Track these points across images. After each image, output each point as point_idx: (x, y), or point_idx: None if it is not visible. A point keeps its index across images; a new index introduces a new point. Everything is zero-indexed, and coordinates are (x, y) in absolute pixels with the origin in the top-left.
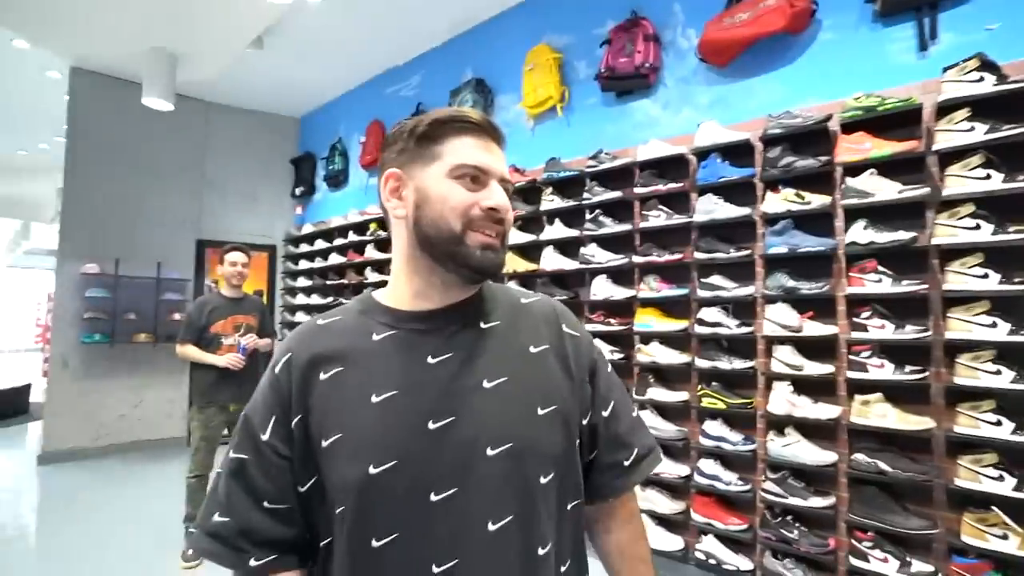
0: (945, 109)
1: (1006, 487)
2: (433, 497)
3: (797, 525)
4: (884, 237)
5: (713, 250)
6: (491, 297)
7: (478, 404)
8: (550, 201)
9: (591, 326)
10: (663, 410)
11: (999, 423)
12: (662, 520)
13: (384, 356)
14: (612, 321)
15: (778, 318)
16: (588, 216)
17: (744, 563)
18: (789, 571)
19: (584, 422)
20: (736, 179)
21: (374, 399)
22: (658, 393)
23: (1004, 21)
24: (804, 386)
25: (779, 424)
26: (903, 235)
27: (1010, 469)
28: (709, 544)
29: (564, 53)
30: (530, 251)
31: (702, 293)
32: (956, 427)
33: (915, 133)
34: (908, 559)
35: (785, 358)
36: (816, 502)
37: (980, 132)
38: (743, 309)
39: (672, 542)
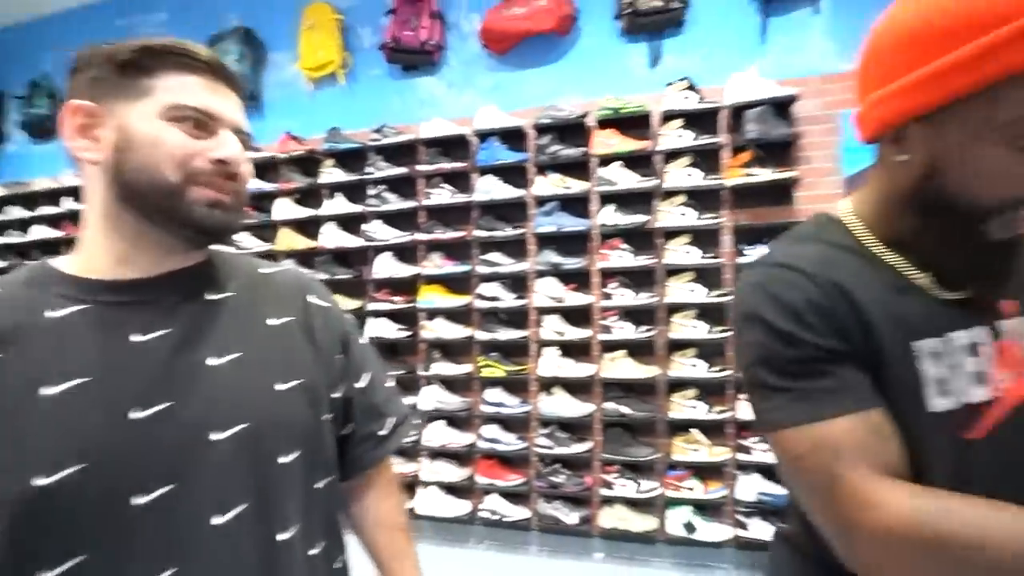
0: (667, 118)
1: (700, 413)
2: (137, 500)
3: (563, 471)
4: (626, 220)
5: (492, 228)
6: (223, 265)
7: (202, 385)
8: (330, 174)
9: (375, 304)
10: (449, 383)
11: (695, 365)
12: (450, 488)
13: (63, 337)
14: (397, 299)
15: (547, 291)
16: (372, 192)
17: (523, 513)
18: (557, 511)
19: (336, 395)
20: (512, 162)
21: (44, 392)
22: (443, 367)
23: (704, 52)
24: (568, 349)
25: (548, 385)
26: (639, 218)
27: (704, 399)
28: (492, 502)
29: (346, 16)
30: (308, 227)
31: (482, 269)
32: (671, 371)
33: (647, 135)
34: (639, 480)
35: (553, 326)
36: (577, 448)
37: (689, 138)
38: (518, 283)
39: (460, 507)
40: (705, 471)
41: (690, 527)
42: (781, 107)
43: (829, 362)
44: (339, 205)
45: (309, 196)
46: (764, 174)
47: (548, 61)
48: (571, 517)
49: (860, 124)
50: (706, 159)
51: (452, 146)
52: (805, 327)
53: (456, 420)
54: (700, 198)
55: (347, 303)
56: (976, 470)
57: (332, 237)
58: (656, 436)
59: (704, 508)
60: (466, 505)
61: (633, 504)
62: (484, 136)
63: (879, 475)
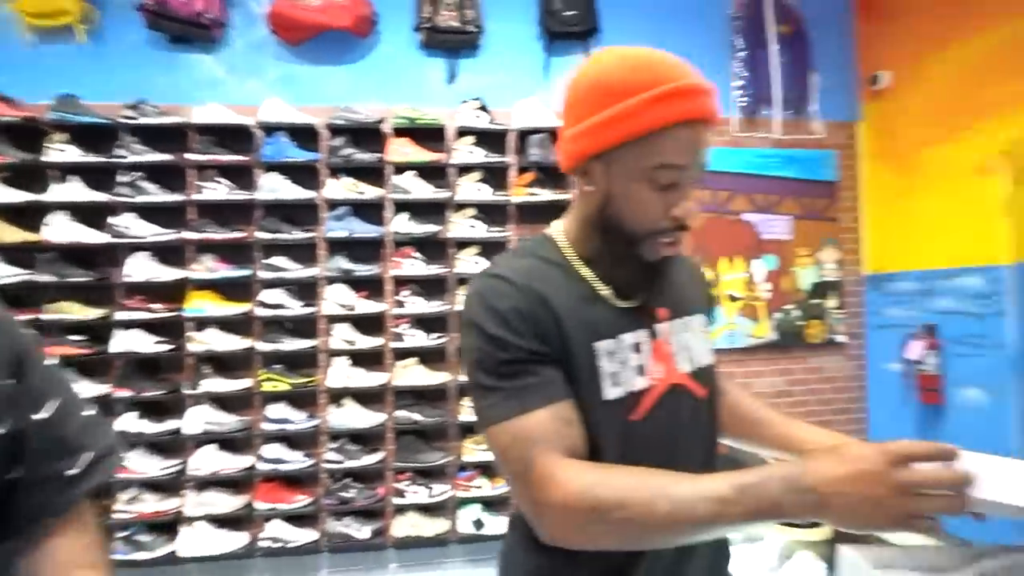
0: (460, 133)
1: None
2: None
3: (354, 485)
4: (419, 228)
5: (277, 230)
6: None
7: None
8: (61, 151)
9: (126, 313)
10: (222, 401)
11: None
12: (224, 521)
13: None
14: (156, 307)
15: (337, 298)
16: (123, 179)
17: (310, 535)
18: (348, 527)
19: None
20: (302, 161)
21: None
22: (216, 384)
23: (496, 77)
24: (359, 359)
25: (338, 396)
26: (432, 227)
27: None
28: (275, 529)
29: None
30: (27, 216)
31: (264, 274)
32: (461, 376)
33: (442, 147)
34: (430, 485)
35: (343, 335)
36: (369, 460)
37: (480, 155)
38: (306, 290)
39: (235, 540)
40: (492, 468)
41: (479, 523)
42: (558, 135)
43: (533, 362)
44: (74, 191)
45: (27, 177)
46: (544, 194)
47: (345, 61)
48: (363, 532)
49: (559, 157)
50: (495, 176)
51: (231, 136)
52: (512, 332)
53: (233, 442)
54: (489, 212)
55: (85, 311)
56: (638, 444)
57: (63, 230)
58: (448, 440)
59: (492, 504)
60: (242, 537)
61: (425, 509)
62: (270, 130)
63: (564, 457)
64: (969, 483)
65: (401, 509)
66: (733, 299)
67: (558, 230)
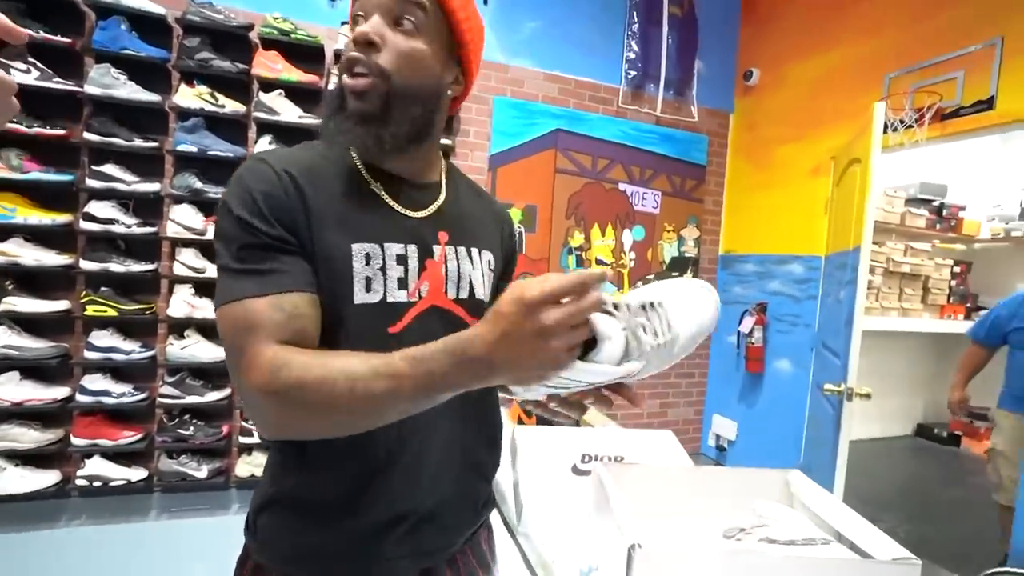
0: (340, 57)
1: None
2: None
3: (194, 422)
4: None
5: (112, 134)
6: None
7: None
8: None
9: None
10: (31, 324)
11: None
12: (28, 458)
13: None
14: None
15: (183, 219)
16: None
17: (138, 473)
18: (184, 466)
19: None
20: (145, 56)
21: None
22: (24, 303)
23: None
24: (205, 288)
25: (180, 327)
26: None
27: None
28: (95, 466)
29: None
30: None
31: (93, 183)
32: None
33: (319, 70)
34: None
35: (188, 261)
36: (213, 396)
37: None
38: (147, 207)
39: (43, 479)
40: None
41: None
42: None
43: (273, 250)
44: None
45: None
46: None
47: None
48: (201, 471)
49: None
50: None
51: (50, 10)
52: (257, 216)
53: (44, 371)
54: None
55: None
56: None
57: None
58: None
59: None
60: (53, 475)
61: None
62: (105, 12)
63: (276, 344)
64: (599, 305)
65: (248, 448)
66: (600, 263)
67: None
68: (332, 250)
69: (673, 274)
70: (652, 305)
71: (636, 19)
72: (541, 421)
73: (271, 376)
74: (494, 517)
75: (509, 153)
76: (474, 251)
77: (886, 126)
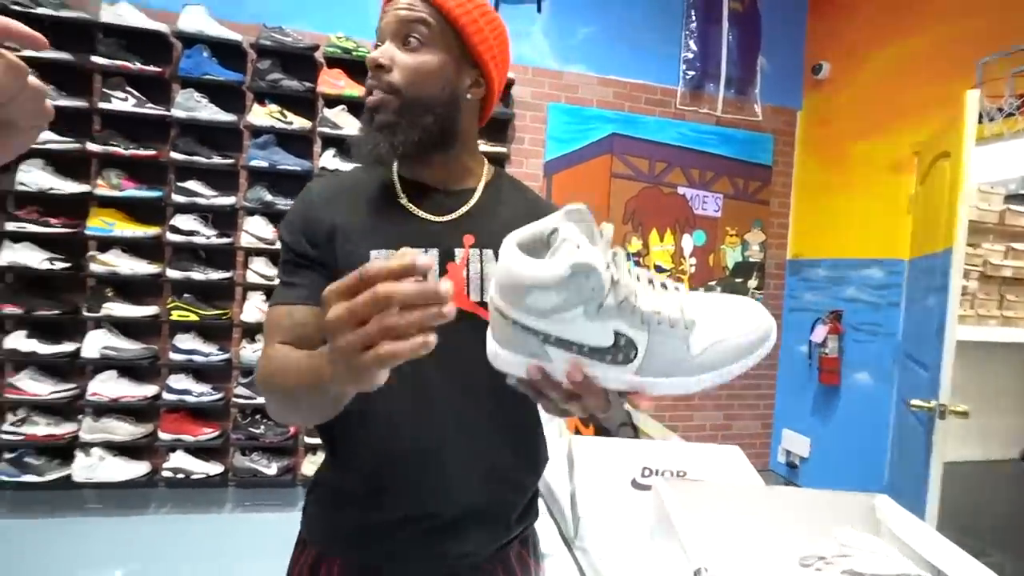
0: None
1: None
2: None
3: (264, 421)
4: (348, 166)
5: (194, 152)
6: None
7: None
8: None
9: (18, 224)
10: (126, 327)
11: None
12: (123, 449)
13: None
14: (53, 221)
15: (256, 230)
16: None
17: (215, 468)
18: (256, 463)
19: None
20: (224, 80)
21: None
22: (120, 308)
23: None
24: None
25: (252, 331)
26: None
27: None
28: (178, 460)
29: None
30: None
31: (178, 198)
32: None
33: None
34: None
35: (260, 269)
36: None
37: None
38: (223, 219)
39: (135, 469)
40: None
41: None
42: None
43: (299, 266)
44: None
45: None
46: (481, 146)
47: None
48: (271, 468)
49: None
50: None
51: (144, 42)
52: (291, 235)
53: (137, 370)
54: None
55: None
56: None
57: None
58: None
59: None
60: (143, 466)
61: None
62: (190, 42)
63: (281, 344)
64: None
65: (313, 448)
66: (659, 270)
67: None
68: (353, 257)
69: (737, 280)
70: (664, 285)
71: (694, 18)
72: (600, 431)
73: (261, 369)
74: (549, 529)
75: (564, 159)
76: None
77: (980, 116)
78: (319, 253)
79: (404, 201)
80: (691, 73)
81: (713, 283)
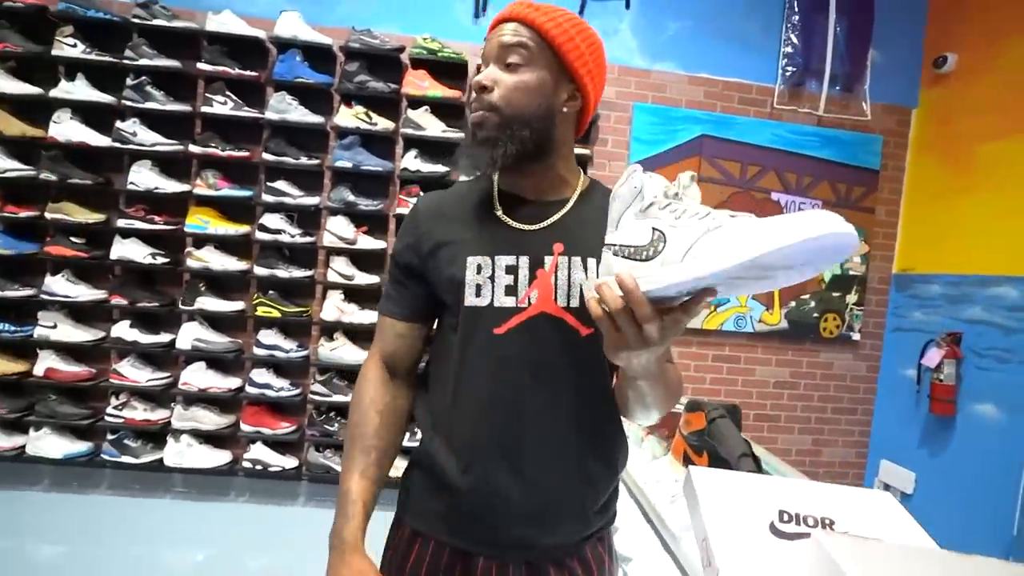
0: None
1: None
2: None
3: (339, 419)
4: (428, 167)
5: (283, 153)
6: None
7: None
8: (72, 46)
9: (127, 222)
10: (215, 321)
11: None
12: (208, 438)
13: None
14: (156, 218)
15: (337, 230)
16: (131, 81)
17: (290, 462)
18: (329, 459)
19: None
20: (313, 83)
21: None
22: (211, 303)
23: None
24: (353, 294)
25: (330, 330)
26: (441, 168)
27: None
28: (257, 452)
29: None
30: (33, 110)
31: (267, 198)
32: None
33: (462, 85)
34: (415, 429)
35: (340, 268)
36: None
37: None
38: (307, 218)
39: (218, 458)
40: None
41: None
42: None
43: (404, 276)
44: (82, 90)
45: (35, 70)
46: None
47: None
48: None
49: None
50: None
51: (242, 49)
52: (400, 250)
53: (222, 363)
54: None
55: (86, 215)
56: (499, 357)
57: (71, 129)
58: None
59: None
60: (225, 455)
61: (408, 452)
62: (284, 46)
63: (379, 359)
64: None
65: None
66: None
67: None
68: (452, 265)
69: (834, 295)
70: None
71: (796, 9)
72: (714, 461)
73: (359, 379)
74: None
75: (650, 162)
76: (591, 261)
77: None
78: (422, 266)
79: (499, 213)
80: (791, 69)
81: (806, 296)
